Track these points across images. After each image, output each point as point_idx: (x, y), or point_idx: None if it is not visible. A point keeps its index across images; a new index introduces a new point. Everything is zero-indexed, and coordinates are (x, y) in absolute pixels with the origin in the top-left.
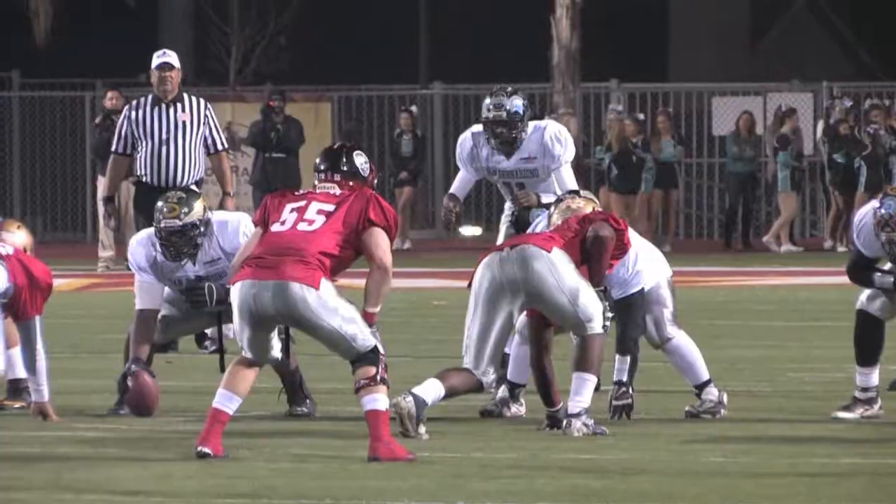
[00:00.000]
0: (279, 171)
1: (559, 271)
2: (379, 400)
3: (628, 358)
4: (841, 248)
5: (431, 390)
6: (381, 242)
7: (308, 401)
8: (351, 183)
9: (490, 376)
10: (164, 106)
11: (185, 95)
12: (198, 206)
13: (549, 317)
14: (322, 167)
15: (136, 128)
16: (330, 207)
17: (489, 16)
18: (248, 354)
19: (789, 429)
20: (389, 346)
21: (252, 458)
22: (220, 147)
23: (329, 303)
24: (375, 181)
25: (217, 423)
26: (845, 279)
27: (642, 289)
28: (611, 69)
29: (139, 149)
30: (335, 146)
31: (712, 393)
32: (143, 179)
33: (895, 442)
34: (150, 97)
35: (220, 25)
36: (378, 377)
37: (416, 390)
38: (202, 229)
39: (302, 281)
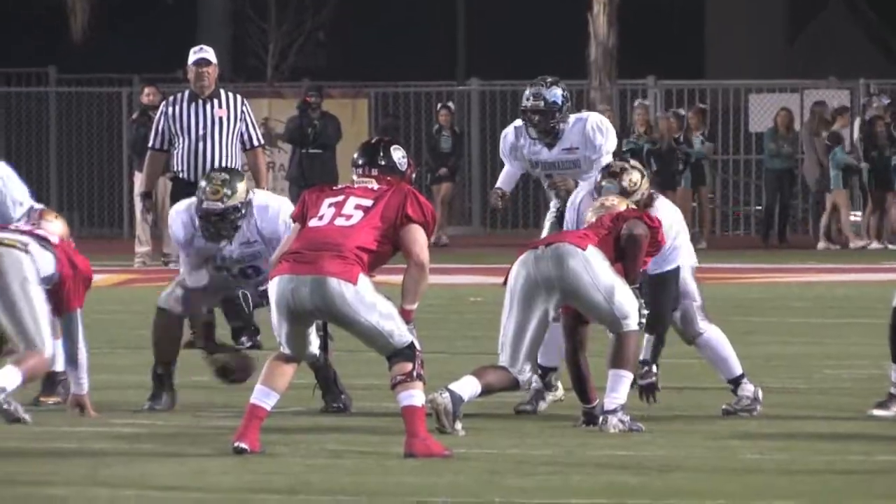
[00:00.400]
0: (316, 167)
1: (594, 269)
2: (415, 396)
3: (654, 337)
4: (874, 245)
5: (468, 387)
6: (418, 238)
7: (343, 396)
8: (389, 178)
9: (526, 374)
10: (200, 102)
11: (222, 91)
12: (241, 187)
13: (585, 314)
14: (360, 161)
15: (173, 123)
16: (368, 202)
17: (527, 12)
18: (285, 350)
19: (825, 426)
20: (426, 343)
21: (288, 454)
22: (255, 143)
23: (367, 298)
24: (413, 176)
25: (254, 419)
26: (883, 276)
27: (678, 267)
28: (647, 66)
29: (176, 144)
30: (373, 140)
31: (748, 389)
32: (180, 175)
33: None
34: (186, 93)
35: (258, 21)
36: (414, 373)
37: (452, 386)
38: (243, 212)
39: (339, 276)
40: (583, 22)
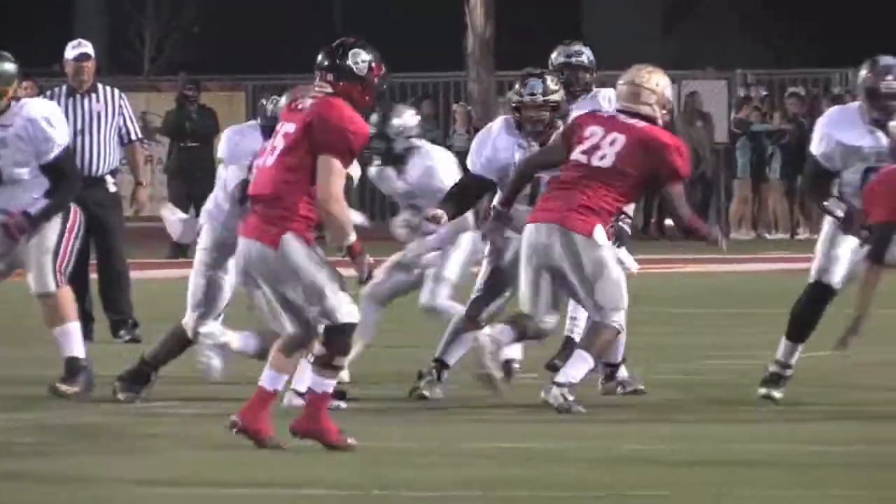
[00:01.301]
0: (194, 160)
1: (593, 254)
2: (324, 384)
3: None
4: (777, 236)
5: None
6: (323, 175)
7: None
8: (344, 83)
9: (549, 323)
10: (78, 96)
11: (100, 86)
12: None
13: (571, 293)
14: (318, 64)
15: None
16: (291, 129)
17: (404, 3)
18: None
19: (706, 417)
20: None
21: (174, 446)
22: (133, 137)
23: (290, 264)
24: (377, 80)
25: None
26: (762, 266)
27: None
28: (525, 57)
29: None
30: (338, 41)
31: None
32: None
33: (813, 427)
34: (64, 88)
35: (135, 15)
36: (332, 362)
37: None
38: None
39: (260, 240)
40: (460, 13)
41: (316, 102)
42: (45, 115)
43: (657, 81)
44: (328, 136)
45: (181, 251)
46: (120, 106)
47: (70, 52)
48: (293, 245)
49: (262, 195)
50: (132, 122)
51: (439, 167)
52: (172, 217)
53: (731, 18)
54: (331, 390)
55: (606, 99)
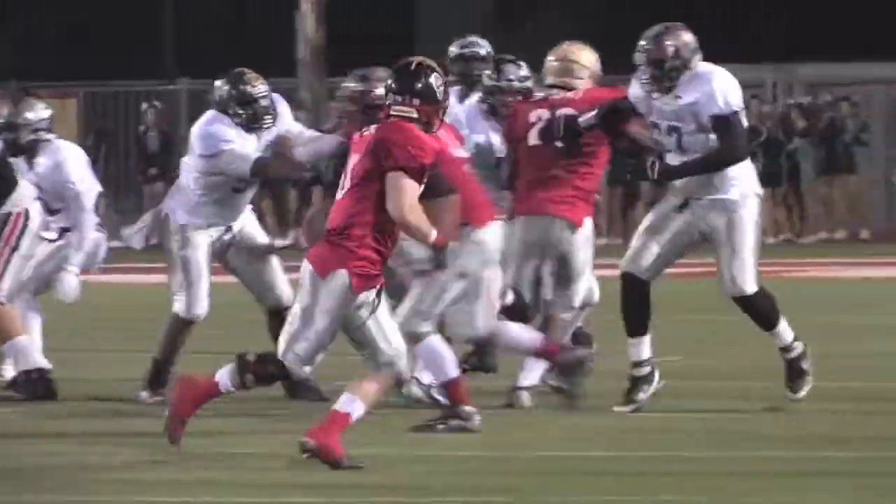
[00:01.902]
0: None
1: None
2: (228, 385)
3: None
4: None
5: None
6: (390, 191)
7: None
8: (427, 107)
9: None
10: None
11: None
12: None
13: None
14: (397, 88)
15: None
16: (356, 159)
17: (237, 11)
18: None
19: (569, 423)
20: (218, 342)
21: (71, 454)
22: None
23: (322, 294)
24: (448, 104)
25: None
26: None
27: None
28: (357, 63)
29: None
30: (410, 65)
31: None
32: None
33: (653, 435)
34: None
35: None
36: (244, 378)
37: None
38: None
39: (313, 265)
40: (290, 20)
41: (379, 127)
42: None
43: (588, 57)
44: (392, 154)
45: None
46: None
47: None
48: (338, 284)
49: (332, 227)
50: None
51: (69, 163)
52: (129, 231)
53: (565, 18)
54: (222, 389)
55: None
